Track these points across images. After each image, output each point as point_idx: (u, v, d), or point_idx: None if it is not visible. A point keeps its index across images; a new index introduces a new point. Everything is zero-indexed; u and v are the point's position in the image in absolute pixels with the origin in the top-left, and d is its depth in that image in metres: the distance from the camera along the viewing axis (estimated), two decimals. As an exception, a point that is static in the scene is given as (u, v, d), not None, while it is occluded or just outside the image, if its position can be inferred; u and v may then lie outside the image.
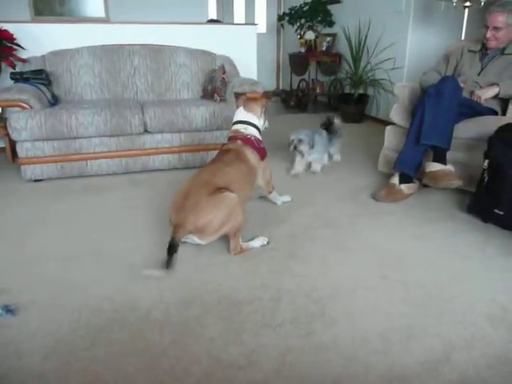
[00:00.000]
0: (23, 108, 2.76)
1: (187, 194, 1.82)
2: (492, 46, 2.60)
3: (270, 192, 2.40)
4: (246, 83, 3.22)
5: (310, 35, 5.70)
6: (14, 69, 3.18)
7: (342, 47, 5.34)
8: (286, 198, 2.51)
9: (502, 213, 2.10)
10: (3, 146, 3.35)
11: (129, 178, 2.98)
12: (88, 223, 2.26)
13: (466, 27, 3.53)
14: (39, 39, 3.39)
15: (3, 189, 2.77)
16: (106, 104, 2.99)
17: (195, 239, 1.83)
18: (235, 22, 7.09)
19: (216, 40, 3.83)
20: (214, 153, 2.24)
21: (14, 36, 3.21)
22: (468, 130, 2.47)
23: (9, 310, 1.51)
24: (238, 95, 2.33)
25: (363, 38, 4.69)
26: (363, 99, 4.86)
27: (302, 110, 5.65)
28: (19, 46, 3.24)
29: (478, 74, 2.66)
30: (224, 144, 2.19)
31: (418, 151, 2.47)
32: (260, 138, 2.22)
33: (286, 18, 6.09)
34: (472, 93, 2.58)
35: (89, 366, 1.29)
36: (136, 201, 2.55)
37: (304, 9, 5.80)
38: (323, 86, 5.84)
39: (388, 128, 2.92)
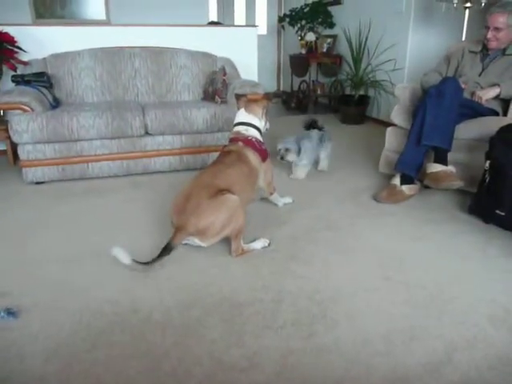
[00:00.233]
0: (24, 111, 2.76)
1: (188, 196, 1.82)
2: (493, 46, 2.60)
3: (272, 193, 2.40)
4: (246, 85, 3.22)
5: (310, 37, 5.70)
6: (16, 71, 3.18)
7: (343, 48, 5.35)
8: (288, 200, 2.51)
9: (503, 213, 2.09)
10: (4, 148, 3.36)
11: (130, 180, 2.98)
12: (89, 225, 2.27)
13: (467, 28, 3.53)
14: (40, 42, 3.40)
15: (4, 191, 2.78)
16: (107, 106, 3.00)
17: (197, 241, 1.83)
18: (236, 23, 7.10)
19: (217, 42, 3.84)
20: (215, 155, 2.24)
21: (15, 39, 3.22)
22: (469, 130, 2.47)
23: (10, 312, 1.51)
24: (238, 97, 2.33)
25: (364, 39, 4.69)
26: (364, 100, 4.86)
27: (303, 111, 5.66)
28: (20, 48, 3.25)
29: (479, 75, 2.66)
30: (225, 146, 2.19)
31: (419, 152, 2.46)
32: (261, 139, 2.22)
33: (287, 20, 6.10)
34: (473, 93, 2.57)
35: (90, 369, 1.29)
36: (137, 203, 2.55)
37: (304, 10, 5.81)
38: (324, 87, 5.84)
39: (389, 129, 2.92)
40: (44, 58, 3.29)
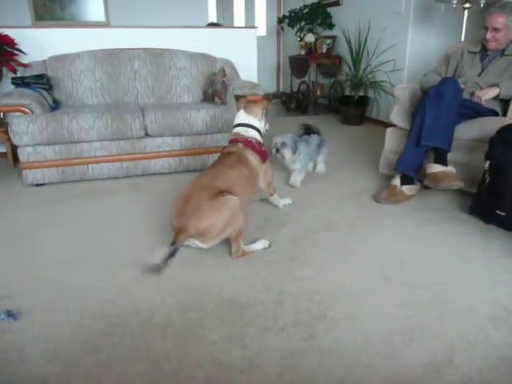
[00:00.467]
0: (24, 113, 2.77)
1: (188, 198, 1.82)
2: (492, 47, 2.61)
3: (272, 195, 2.40)
4: (246, 86, 3.22)
5: (309, 38, 5.71)
6: (15, 74, 3.19)
7: (342, 49, 5.35)
8: (288, 201, 2.51)
9: (503, 214, 2.09)
10: (4, 150, 3.36)
11: (130, 181, 2.98)
12: (89, 227, 2.27)
13: (466, 28, 3.53)
14: (40, 44, 3.40)
15: (4, 193, 2.78)
16: (107, 108, 3.00)
17: (197, 243, 1.83)
18: (235, 25, 7.11)
19: (216, 43, 3.84)
20: (215, 156, 2.24)
21: (15, 41, 3.23)
22: (469, 131, 2.47)
23: (11, 314, 1.51)
24: (238, 98, 2.33)
25: (363, 40, 4.69)
26: (363, 101, 4.87)
27: (303, 112, 5.66)
28: (20, 51, 3.26)
29: (479, 75, 2.66)
30: (225, 147, 2.19)
31: (418, 153, 2.47)
32: (261, 140, 2.22)
33: (286, 21, 6.10)
34: (472, 94, 2.58)
35: (91, 371, 1.29)
36: (137, 204, 2.55)
37: (304, 11, 5.81)
38: (323, 88, 5.85)
39: (389, 130, 2.92)
40: (44, 60, 3.30)
